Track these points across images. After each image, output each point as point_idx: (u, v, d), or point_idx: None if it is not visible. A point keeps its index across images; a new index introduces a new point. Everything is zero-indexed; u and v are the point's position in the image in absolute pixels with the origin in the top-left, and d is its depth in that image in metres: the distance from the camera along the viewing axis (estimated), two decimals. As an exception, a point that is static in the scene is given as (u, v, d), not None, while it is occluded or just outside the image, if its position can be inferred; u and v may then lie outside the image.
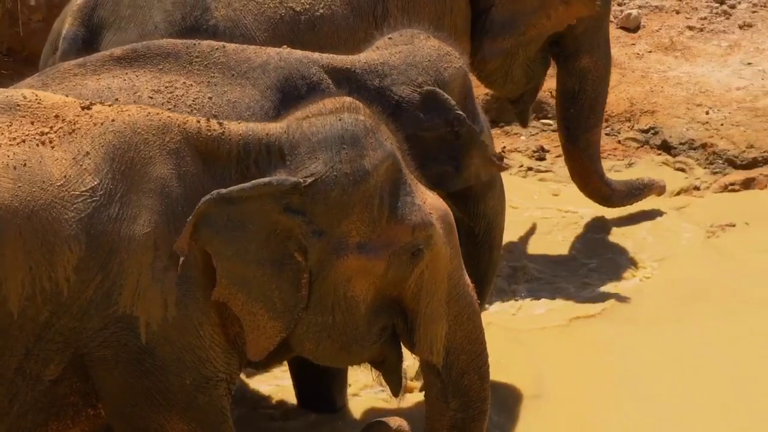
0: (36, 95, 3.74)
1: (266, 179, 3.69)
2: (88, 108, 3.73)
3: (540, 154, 7.45)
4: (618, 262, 6.35)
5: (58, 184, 3.55)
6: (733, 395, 5.23)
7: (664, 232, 6.67)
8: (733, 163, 7.22)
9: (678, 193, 7.03)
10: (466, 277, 4.05)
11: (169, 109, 4.03)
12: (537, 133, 7.66)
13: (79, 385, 3.69)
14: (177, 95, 4.14)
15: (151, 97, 4.10)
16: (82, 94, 4.03)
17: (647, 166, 7.27)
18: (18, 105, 3.68)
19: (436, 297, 3.94)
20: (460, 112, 4.48)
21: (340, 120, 3.81)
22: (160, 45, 4.33)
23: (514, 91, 6.36)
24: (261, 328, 3.75)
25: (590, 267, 6.30)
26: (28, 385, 3.62)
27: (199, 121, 3.79)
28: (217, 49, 4.36)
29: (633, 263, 6.34)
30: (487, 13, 5.91)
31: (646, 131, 7.59)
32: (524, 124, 6.82)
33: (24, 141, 3.60)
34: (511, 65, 6.11)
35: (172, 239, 3.63)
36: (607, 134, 7.61)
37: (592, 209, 6.76)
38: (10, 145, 3.57)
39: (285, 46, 4.56)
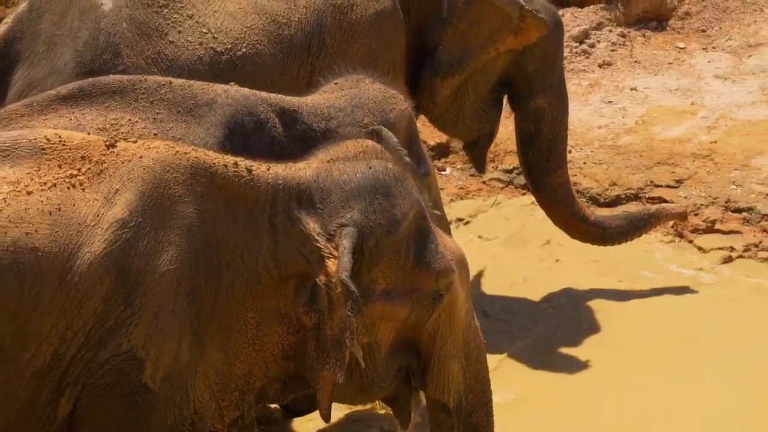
0: (59, 136, 3.77)
1: (348, 242, 3.76)
2: (113, 146, 3.77)
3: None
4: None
5: (92, 224, 3.62)
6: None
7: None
8: (596, 201, 7.37)
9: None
10: (475, 318, 4.18)
11: None
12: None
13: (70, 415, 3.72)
14: (122, 132, 4.17)
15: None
16: None
17: (512, 207, 7.44)
18: (43, 148, 3.72)
19: (450, 339, 4.06)
20: (403, 150, 4.47)
21: (370, 168, 3.91)
22: (106, 83, 4.38)
23: (467, 134, 6.33)
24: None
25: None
26: (50, 421, 3.65)
27: (226, 165, 3.83)
28: (163, 85, 4.40)
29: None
30: (433, 52, 5.90)
31: (510, 171, 7.74)
32: (481, 170, 6.73)
33: (55, 185, 3.64)
34: (461, 106, 6.09)
35: (193, 279, 3.70)
36: (471, 175, 7.75)
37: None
38: (42, 190, 3.63)
39: (233, 83, 4.62)
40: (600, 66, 8.90)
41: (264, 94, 4.57)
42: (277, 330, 3.83)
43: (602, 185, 7.53)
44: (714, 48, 9.07)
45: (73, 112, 4.24)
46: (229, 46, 5.31)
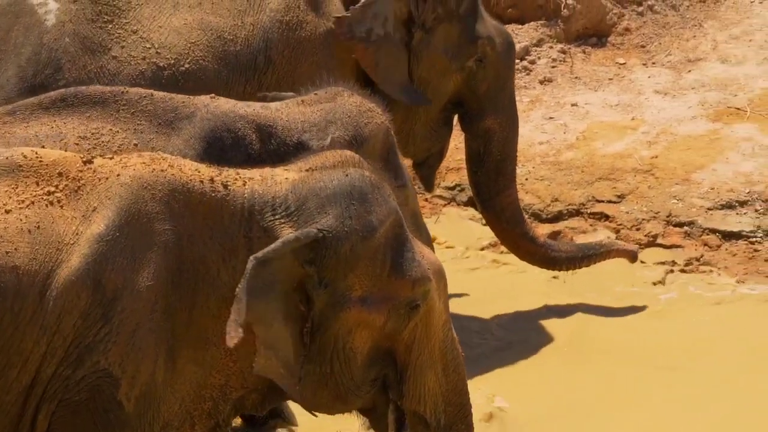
0: (36, 153, 3.82)
1: (293, 235, 3.79)
2: (90, 162, 3.82)
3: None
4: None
5: (72, 242, 3.67)
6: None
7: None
8: (539, 217, 7.43)
9: (483, 249, 7.26)
10: (453, 330, 4.20)
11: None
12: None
13: None
14: (103, 141, 4.30)
15: (77, 144, 4.27)
16: (10, 142, 4.21)
17: (454, 223, 7.49)
18: (20, 165, 3.77)
19: (427, 349, 4.07)
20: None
21: (347, 175, 3.95)
22: (89, 93, 4.47)
23: (417, 153, 6.33)
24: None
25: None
26: None
27: (202, 181, 3.86)
28: (144, 97, 4.49)
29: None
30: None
31: (452, 188, 7.78)
32: (429, 189, 6.75)
33: (33, 203, 3.70)
34: (412, 126, 6.10)
35: (170, 296, 3.74)
36: (413, 192, 7.79)
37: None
38: (21, 208, 3.69)
39: (212, 95, 4.68)
40: (541, 82, 8.96)
41: (243, 109, 4.63)
42: (254, 341, 3.83)
43: (544, 201, 7.59)
44: (654, 63, 9.16)
45: (55, 121, 4.34)
46: (172, 61, 5.39)
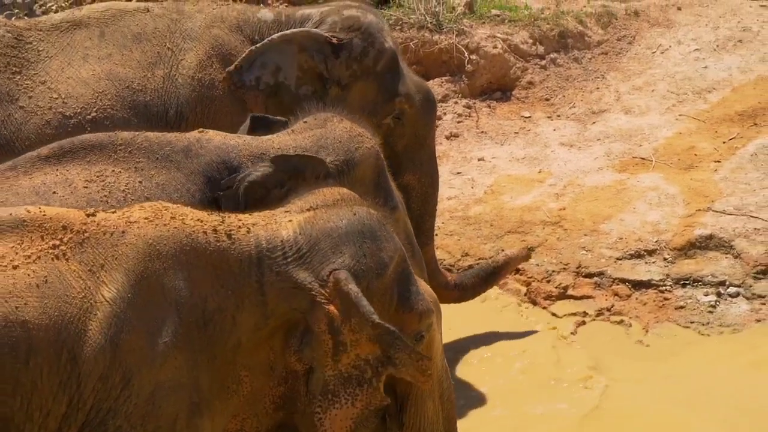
0: (39, 208, 3.86)
1: (356, 287, 3.88)
2: (93, 215, 3.86)
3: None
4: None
5: (81, 296, 3.69)
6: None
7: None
8: (449, 272, 7.50)
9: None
10: (445, 360, 4.35)
11: (105, 196, 4.37)
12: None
13: None
14: (109, 183, 4.41)
15: (86, 187, 4.38)
16: (20, 192, 4.33)
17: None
18: (24, 221, 3.79)
19: None
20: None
21: (355, 214, 4.07)
22: (84, 139, 4.56)
23: None
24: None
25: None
26: None
27: (206, 232, 3.92)
28: (137, 135, 4.60)
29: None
30: None
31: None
32: None
33: (39, 257, 3.72)
34: None
35: (188, 351, 3.78)
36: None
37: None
38: (28, 263, 3.71)
39: (201, 130, 4.76)
40: (447, 138, 9.08)
41: (234, 141, 4.72)
42: (268, 383, 3.94)
43: (454, 256, 7.63)
44: (558, 116, 9.32)
45: (58, 169, 4.45)
46: (79, 110, 5.50)
